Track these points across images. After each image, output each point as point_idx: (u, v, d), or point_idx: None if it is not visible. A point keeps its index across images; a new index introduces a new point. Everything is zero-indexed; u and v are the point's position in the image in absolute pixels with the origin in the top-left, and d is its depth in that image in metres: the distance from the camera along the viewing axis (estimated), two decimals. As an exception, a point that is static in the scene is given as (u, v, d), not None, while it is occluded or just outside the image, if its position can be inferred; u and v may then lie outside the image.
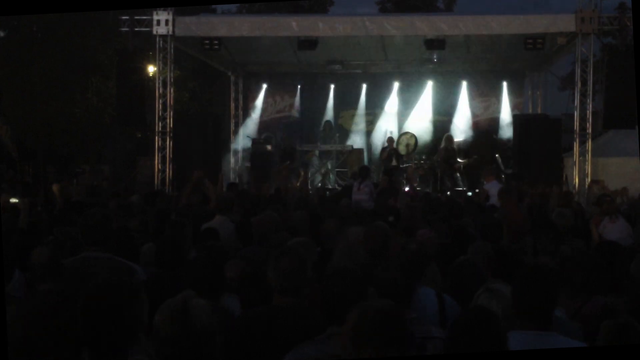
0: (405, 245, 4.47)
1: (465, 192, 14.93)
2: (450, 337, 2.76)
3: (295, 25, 14.67)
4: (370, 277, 3.54)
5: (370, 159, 18.28)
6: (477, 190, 14.80)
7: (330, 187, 16.58)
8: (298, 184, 12.58)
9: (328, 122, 18.52)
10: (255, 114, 19.77)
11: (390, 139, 17.32)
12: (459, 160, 16.11)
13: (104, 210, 5.62)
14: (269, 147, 17.20)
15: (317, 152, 18.19)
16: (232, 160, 19.45)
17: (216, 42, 14.92)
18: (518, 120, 15.43)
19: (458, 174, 16.06)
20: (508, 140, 17.23)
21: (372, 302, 2.73)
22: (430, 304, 3.93)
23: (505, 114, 18.74)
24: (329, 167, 17.78)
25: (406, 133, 17.93)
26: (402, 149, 17.27)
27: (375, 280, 3.56)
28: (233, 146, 19.69)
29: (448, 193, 14.63)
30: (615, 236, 7.16)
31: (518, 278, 3.25)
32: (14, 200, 7.84)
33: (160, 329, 2.38)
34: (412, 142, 17.49)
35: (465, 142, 17.40)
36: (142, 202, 9.04)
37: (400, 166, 16.41)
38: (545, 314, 3.14)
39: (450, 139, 16.66)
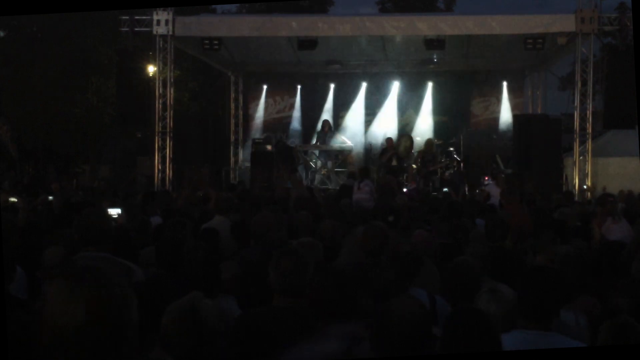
0: (398, 247, 4.44)
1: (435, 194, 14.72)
2: (442, 336, 2.75)
3: (295, 25, 14.66)
4: (364, 277, 3.52)
5: (369, 159, 18.25)
6: (477, 191, 14.79)
7: (330, 187, 16.55)
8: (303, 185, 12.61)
9: (326, 121, 18.48)
10: (256, 115, 19.77)
11: (389, 140, 17.29)
12: (432, 164, 16.01)
13: (100, 210, 5.60)
14: (269, 147, 17.21)
15: (317, 152, 18.17)
16: (232, 160, 19.44)
17: (216, 42, 14.92)
18: (518, 120, 15.41)
19: (438, 177, 15.91)
20: (508, 140, 17.20)
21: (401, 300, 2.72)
22: None
23: (505, 114, 18.73)
24: (329, 167, 17.76)
25: (403, 135, 17.90)
26: (401, 151, 17.22)
27: (369, 281, 3.55)
28: (233, 146, 19.68)
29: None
30: (618, 237, 7.15)
31: (522, 279, 3.25)
32: (12, 199, 7.83)
33: (169, 329, 2.38)
34: (408, 144, 17.42)
35: (462, 142, 17.35)
36: (141, 202, 9.01)
37: (401, 167, 16.38)
38: (547, 314, 3.14)
39: (429, 142, 16.58)
